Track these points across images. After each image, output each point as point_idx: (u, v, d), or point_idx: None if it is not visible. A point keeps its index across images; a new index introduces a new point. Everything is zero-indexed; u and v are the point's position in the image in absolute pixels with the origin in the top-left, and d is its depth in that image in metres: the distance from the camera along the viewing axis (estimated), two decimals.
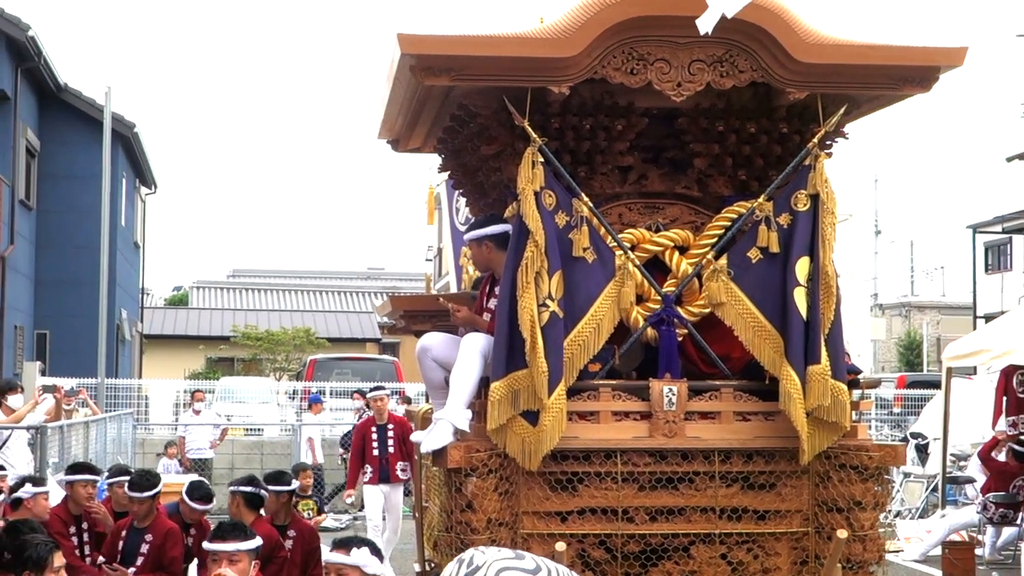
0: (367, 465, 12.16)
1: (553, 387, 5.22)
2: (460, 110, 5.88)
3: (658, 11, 5.33)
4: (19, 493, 8.15)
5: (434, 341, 5.95)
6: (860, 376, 6.00)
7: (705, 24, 4.93)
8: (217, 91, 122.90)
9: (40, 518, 7.74)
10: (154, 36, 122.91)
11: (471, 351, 5.54)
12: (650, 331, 5.58)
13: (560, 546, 5.15)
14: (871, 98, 5.87)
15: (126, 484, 8.13)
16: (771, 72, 5.47)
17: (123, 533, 7.98)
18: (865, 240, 48.14)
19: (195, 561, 8.25)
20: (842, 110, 5.63)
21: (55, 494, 8.73)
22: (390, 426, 12.16)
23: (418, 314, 7.33)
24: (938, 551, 12.10)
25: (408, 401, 20.22)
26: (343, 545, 5.20)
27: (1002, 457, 12.88)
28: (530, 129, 5.36)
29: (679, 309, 5.62)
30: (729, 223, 5.67)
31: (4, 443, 11.59)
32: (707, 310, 5.61)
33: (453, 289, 12.58)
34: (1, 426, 11.68)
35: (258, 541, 5.87)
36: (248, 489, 7.96)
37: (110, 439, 17.21)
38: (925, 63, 5.56)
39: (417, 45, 5.22)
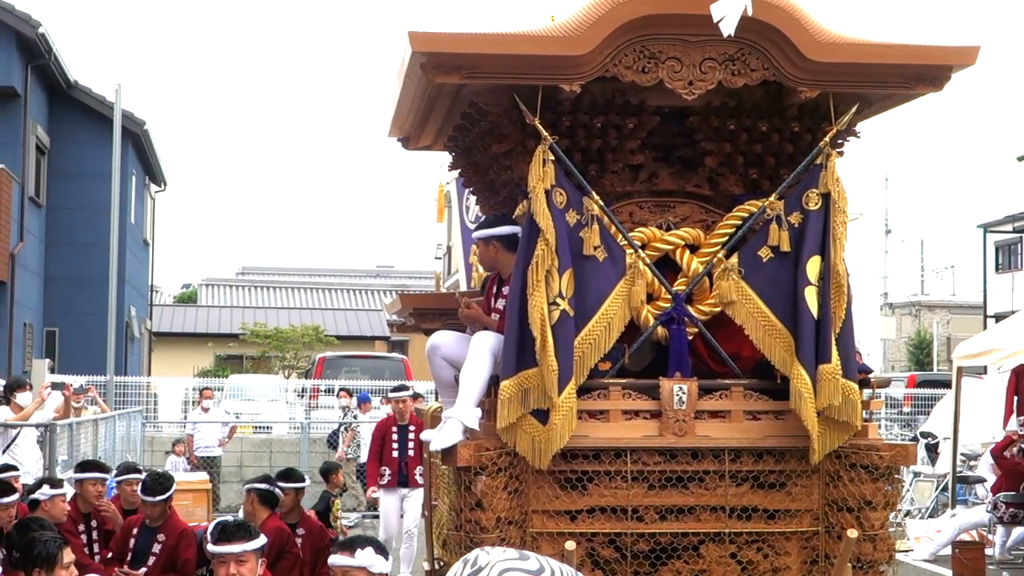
0: (385, 467, 11.49)
1: (563, 386, 5.21)
2: (471, 108, 5.86)
3: (670, 9, 5.31)
4: (36, 495, 8.12)
5: (444, 339, 5.94)
6: (871, 375, 5.97)
7: (728, 26, 4.93)
8: (227, 89, 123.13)
9: (57, 520, 7.72)
10: (164, 34, 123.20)
11: (481, 349, 5.53)
12: (660, 329, 5.57)
13: (570, 545, 5.13)
14: (883, 97, 5.85)
15: (139, 488, 8.11)
16: (783, 71, 5.45)
17: (134, 531, 7.95)
18: (875, 239, 48.09)
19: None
20: (854, 109, 5.61)
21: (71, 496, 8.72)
22: (411, 428, 11.39)
23: (428, 312, 7.31)
24: (948, 551, 12.05)
25: (416, 398, 20.13)
26: (347, 547, 5.17)
27: (1014, 454, 12.87)
28: (541, 127, 5.35)
29: (689, 308, 5.61)
30: (740, 222, 5.65)
31: (13, 441, 11.60)
32: (717, 309, 5.60)
33: (463, 287, 12.56)
34: (9, 424, 11.69)
35: (263, 540, 5.83)
36: (263, 486, 7.97)
37: (119, 437, 17.23)
38: (937, 62, 5.55)
39: (428, 43, 5.21)
